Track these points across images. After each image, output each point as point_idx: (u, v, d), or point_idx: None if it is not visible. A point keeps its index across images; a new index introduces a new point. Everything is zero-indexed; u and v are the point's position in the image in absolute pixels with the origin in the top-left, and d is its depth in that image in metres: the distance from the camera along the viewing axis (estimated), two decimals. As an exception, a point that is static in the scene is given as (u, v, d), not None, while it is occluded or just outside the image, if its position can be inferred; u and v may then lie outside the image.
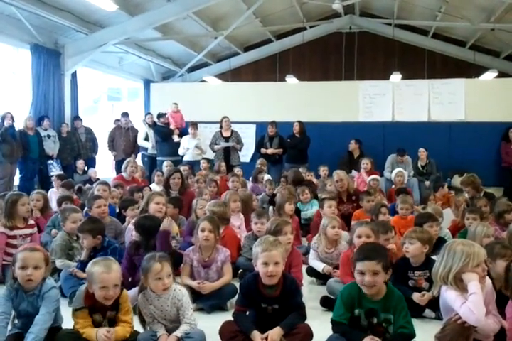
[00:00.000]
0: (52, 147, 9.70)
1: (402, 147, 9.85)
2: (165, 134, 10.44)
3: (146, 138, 10.83)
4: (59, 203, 5.96)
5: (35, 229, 4.94)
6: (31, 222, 4.94)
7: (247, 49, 15.25)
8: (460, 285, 2.83)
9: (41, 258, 3.03)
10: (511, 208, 5.28)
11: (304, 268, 4.73)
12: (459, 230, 5.33)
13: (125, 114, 11.11)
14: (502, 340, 2.92)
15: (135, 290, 3.80)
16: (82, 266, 3.87)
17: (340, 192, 6.96)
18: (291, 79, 12.46)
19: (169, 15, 10.66)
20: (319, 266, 4.67)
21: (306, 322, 3.24)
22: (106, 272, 2.97)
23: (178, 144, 10.21)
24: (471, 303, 2.70)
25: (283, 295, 3.16)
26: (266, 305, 3.17)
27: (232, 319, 3.22)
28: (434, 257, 4.05)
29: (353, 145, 10.10)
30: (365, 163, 8.92)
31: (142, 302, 3.14)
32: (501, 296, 3.00)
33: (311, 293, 4.37)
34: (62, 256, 4.45)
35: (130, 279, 4.06)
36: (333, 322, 2.99)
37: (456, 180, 10.01)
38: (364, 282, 2.86)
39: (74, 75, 10.98)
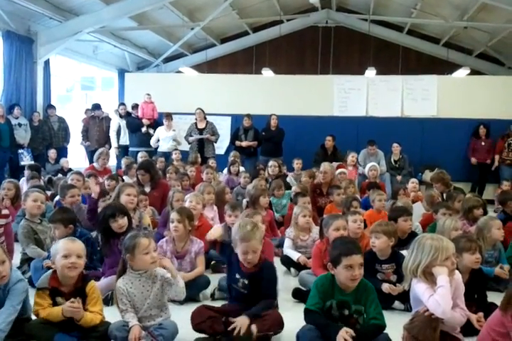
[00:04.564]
0: (23, 136, 9.53)
1: (375, 141, 9.97)
2: (134, 126, 10.43)
3: (119, 129, 10.76)
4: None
5: (10, 219, 4.80)
6: (5, 211, 4.77)
7: (223, 41, 15.17)
8: (430, 278, 2.88)
9: (3, 252, 2.91)
10: (480, 204, 5.40)
11: (278, 259, 4.80)
12: (429, 224, 5.43)
13: (97, 107, 10.95)
14: (468, 333, 3.00)
15: (105, 280, 3.82)
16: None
17: (321, 184, 7.00)
18: (267, 72, 12.45)
19: (145, 5, 10.55)
20: (294, 255, 4.72)
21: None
22: (70, 242, 3.09)
23: (148, 135, 10.22)
24: (438, 296, 2.75)
25: (256, 275, 3.22)
26: (239, 276, 3.27)
27: (204, 305, 3.30)
28: (404, 251, 4.13)
29: (330, 142, 10.13)
30: (352, 157, 9.23)
31: (121, 287, 3.08)
32: (468, 289, 3.07)
33: (283, 285, 4.40)
34: (29, 243, 4.38)
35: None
36: (306, 310, 2.99)
37: (427, 175, 10.17)
38: (355, 275, 2.90)
39: (47, 63, 10.78)
